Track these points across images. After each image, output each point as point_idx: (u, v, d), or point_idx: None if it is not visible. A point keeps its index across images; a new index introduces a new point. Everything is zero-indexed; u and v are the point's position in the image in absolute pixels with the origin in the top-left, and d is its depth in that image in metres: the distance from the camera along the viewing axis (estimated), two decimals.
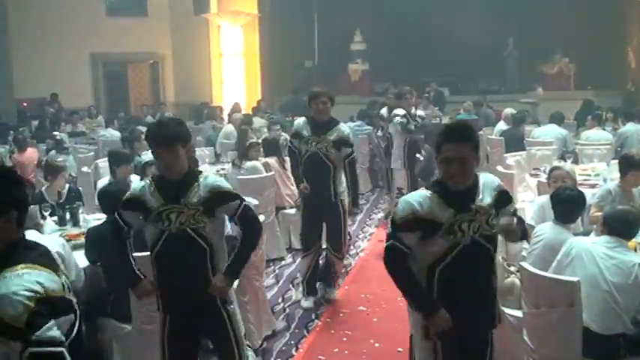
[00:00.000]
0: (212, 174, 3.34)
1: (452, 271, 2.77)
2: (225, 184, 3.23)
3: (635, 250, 4.18)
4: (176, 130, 3.12)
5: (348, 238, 5.80)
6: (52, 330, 1.92)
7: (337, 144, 5.30)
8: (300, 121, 5.55)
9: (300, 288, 5.74)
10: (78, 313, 2.10)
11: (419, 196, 2.80)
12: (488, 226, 2.80)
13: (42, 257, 2.07)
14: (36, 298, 1.91)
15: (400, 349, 4.66)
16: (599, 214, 4.67)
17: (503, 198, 2.91)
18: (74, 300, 2.11)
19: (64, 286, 2.06)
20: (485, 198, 2.83)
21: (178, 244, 3.11)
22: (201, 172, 3.30)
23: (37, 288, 1.93)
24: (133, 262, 3.31)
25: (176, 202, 3.09)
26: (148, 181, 3.23)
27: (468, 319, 2.81)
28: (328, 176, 5.32)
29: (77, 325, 2.09)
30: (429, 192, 2.81)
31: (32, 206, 4.21)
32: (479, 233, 2.77)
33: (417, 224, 2.75)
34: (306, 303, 5.57)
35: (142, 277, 3.30)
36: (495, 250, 2.88)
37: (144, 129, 10.08)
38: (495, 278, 2.94)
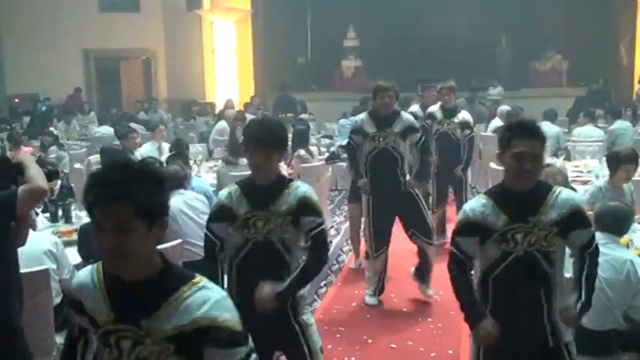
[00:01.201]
0: (305, 184, 3.13)
1: (504, 281, 2.71)
2: (316, 198, 3.04)
3: (628, 247, 4.20)
4: (279, 134, 2.98)
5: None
6: None
7: (404, 134, 5.23)
8: (361, 117, 5.42)
9: (370, 290, 5.50)
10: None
11: (475, 202, 2.77)
12: (547, 242, 2.66)
13: None
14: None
15: (393, 346, 4.68)
16: (591, 212, 4.71)
17: (574, 220, 2.69)
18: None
19: None
20: (551, 213, 2.67)
21: (262, 254, 2.96)
22: (292, 180, 3.15)
23: None
24: (222, 284, 3.03)
25: (264, 209, 2.94)
26: (233, 187, 3.06)
27: (516, 337, 2.73)
28: (397, 169, 5.25)
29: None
30: (486, 197, 2.76)
31: None
32: (535, 247, 2.66)
33: (471, 230, 2.72)
34: (372, 300, 5.46)
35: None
36: (555, 268, 2.71)
37: (137, 126, 10.17)
38: (553, 297, 2.74)
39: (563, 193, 2.71)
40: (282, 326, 3.00)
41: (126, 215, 1.72)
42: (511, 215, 2.66)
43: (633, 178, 5.18)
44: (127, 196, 1.72)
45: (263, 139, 2.91)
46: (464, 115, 6.95)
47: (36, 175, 2.84)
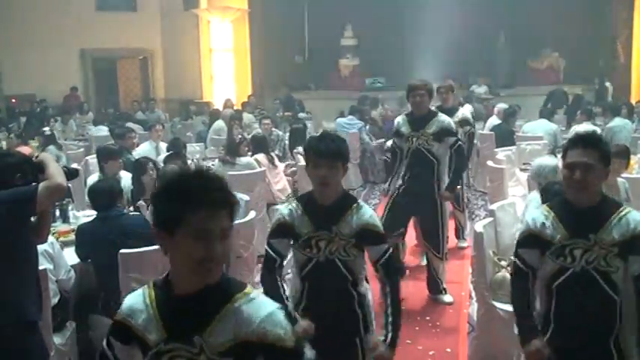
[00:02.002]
0: (366, 205, 3.01)
1: (565, 294, 2.65)
2: (379, 223, 2.95)
3: None
4: (341, 146, 2.90)
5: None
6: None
7: (438, 136, 5.14)
8: (400, 119, 5.40)
9: None
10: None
11: (537, 213, 2.73)
12: (606, 263, 2.57)
13: None
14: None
15: None
16: None
17: (636, 244, 2.56)
18: None
19: None
20: (613, 233, 2.57)
21: (325, 273, 2.91)
22: (356, 199, 3.01)
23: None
24: (285, 299, 2.90)
25: (326, 229, 2.87)
26: (294, 204, 2.98)
27: (576, 352, 2.66)
28: (432, 172, 5.17)
29: None
30: (548, 209, 2.71)
31: None
32: (593, 265, 2.58)
33: (532, 242, 2.69)
34: None
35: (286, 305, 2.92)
36: (619, 294, 2.59)
37: (134, 126, 10.16)
38: (617, 324, 2.62)
39: (631, 215, 2.60)
40: (346, 344, 2.96)
41: (229, 221, 1.75)
42: (570, 230, 2.61)
43: (629, 176, 5.19)
44: (232, 202, 1.76)
45: (327, 149, 2.83)
46: (463, 112, 6.99)
47: (55, 173, 2.93)
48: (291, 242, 2.97)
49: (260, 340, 1.72)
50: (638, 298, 2.58)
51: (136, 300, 1.87)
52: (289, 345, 1.74)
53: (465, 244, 6.86)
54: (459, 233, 6.93)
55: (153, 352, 1.81)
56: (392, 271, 2.97)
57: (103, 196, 4.26)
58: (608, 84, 14.44)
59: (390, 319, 2.89)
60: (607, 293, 2.58)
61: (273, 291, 2.82)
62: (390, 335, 2.86)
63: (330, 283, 2.93)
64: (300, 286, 3.02)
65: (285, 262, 3.03)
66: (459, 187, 5.49)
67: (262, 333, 1.72)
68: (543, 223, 2.66)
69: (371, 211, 2.95)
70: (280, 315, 1.77)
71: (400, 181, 5.32)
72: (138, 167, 5.72)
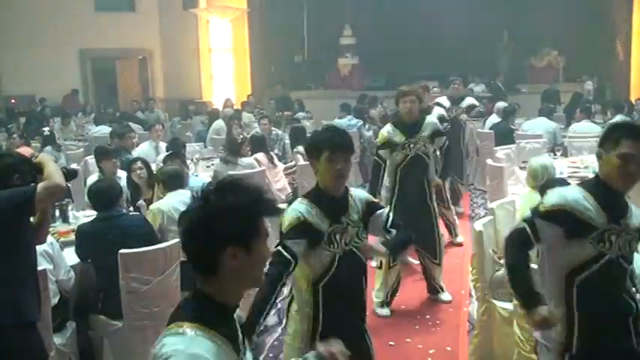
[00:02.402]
0: (357, 188, 3.07)
1: (593, 284, 2.55)
2: (369, 195, 3.05)
3: None
4: (350, 138, 2.93)
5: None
6: None
7: (432, 137, 5.21)
8: (387, 129, 5.23)
9: (380, 298, 5.25)
10: None
11: (576, 192, 2.58)
12: (630, 248, 2.58)
13: None
14: None
15: (391, 343, 4.69)
16: None
17: None
18: None
19: None
20: (633, 219, 2.59)
21: (348, 266, 2.87)
22: (347, 187, 2.98)
23: None
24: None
25: (338, 222, 2.85)
26: (305, 201, 2.88)
27: (606, 342, 2.58)
28: (425, 176, 5.20)
29: None
30: (585, 191, 2.59)
31: None
32: (622, 252, 2.56)
33: (563, 218, 2.53)
34: (384, 311, 5.21)
35: None
36: (630, 276, 2.65)
37: (135, 126, 10.15)
38: (631, 301, 2.61)
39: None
40: (358, 337, 2.94)
41: None
42: (610, 215, 2.55)
43: None
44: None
45: (344, 142, 2.83)
46: (433, 116, 7.13)
47: (54, 173, 2.94)
48: (307, 244, 2.81)
49: None
50: None
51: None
52: None
53: (460, 240, 6.92)
54: (451, 230, 6.95)
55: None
56: (401, 227, 3.03)
57: (103, 196, 4.25)
58: (589, 83, 14.42)
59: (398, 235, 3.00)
60: (626, 279, 2.61)
61: (268, 294, 2.64)
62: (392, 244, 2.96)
63: (350, 278, 2.88)
64: (314, 302, 2.87)
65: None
66: (439, 180, 5.46)
67: None
68: (585, 206, 2.54)
69: (361, 190, 3.09)
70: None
71: (390, 194, 5.26)
72: (127, 167, 5.76)
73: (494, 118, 10.01)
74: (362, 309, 3.02)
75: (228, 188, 1.75)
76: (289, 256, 2.75)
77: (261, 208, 1.75)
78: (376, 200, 3.02)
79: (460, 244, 6.87)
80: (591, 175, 5.23)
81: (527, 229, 2.58)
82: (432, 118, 5.35)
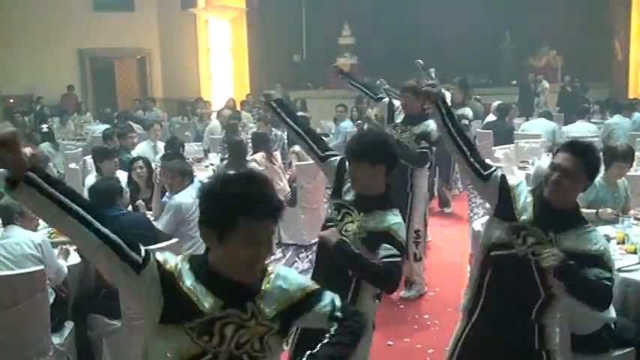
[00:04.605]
0: (397, 217, 2.98)
1: (501, 266, 2.65)
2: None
3: (623, 242, 4.21)
4: (381, 146, 2.95)
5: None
6: None
7: (418, 138, 5.24)
8: (399, 103, 5.49)
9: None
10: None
11: (525, 188, 2.72)
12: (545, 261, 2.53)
13: None
14: None
15: (390, 343, 4.69)
16: (586, 210, 4.70)
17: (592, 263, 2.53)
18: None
19: None
20: (574, 242, 2.56)
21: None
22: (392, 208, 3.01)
23: None
24: None
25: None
26: None
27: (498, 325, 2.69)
28: (405, 172, 5.21)
29: None
30: (530, 194, 2.69)
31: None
32: (534, 258, 2.57)
33: (505, 198, 2.67)
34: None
35: None
36: (542, 282, 2.61)
37: (135, 125, 10.14)
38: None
39: (598, 234, 2.62)
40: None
41: (274, 226, 1.87)
42: (541, 220, 2.60)
43: (628, 174, 5.19)
44: (281, 210, 1.85)
45: (360, 151, 2.88)
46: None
47: None
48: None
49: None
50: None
51: (177, 262, 1.90)
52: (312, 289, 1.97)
53: (448, 210, 8.23)
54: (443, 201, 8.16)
55: (207, 319, 1.83)
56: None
57: (103, 196, 4.25)
58: (545, 82, 14.40)
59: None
60: (535, 282, 2.59)
61: None
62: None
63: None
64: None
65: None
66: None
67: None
68: (523, 200, 2.65)
69: (400, 221, 3.00)
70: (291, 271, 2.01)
71: None
72: (129, 166, 5.74)
73: (491, 118, 10.03)
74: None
75: (232, 177, 1.86)
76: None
77: (240, 206, 1.76)
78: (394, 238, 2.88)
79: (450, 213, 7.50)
80: None
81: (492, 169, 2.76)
82: (430, 123, 5.25)
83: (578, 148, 2.62)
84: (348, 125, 10.34)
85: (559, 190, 2.57)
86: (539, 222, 2.59)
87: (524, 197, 2.66)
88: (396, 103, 5.55)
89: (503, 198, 2.68)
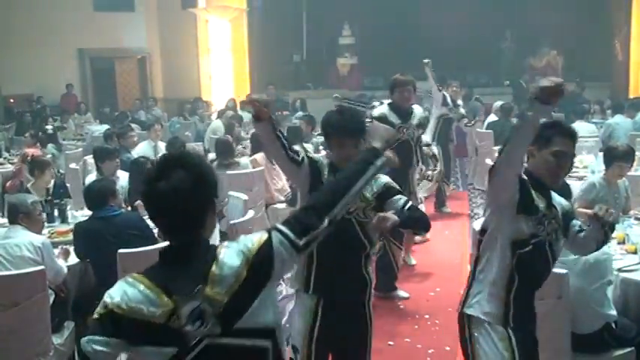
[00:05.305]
0: (384, 175, 3.14)
1: (528, 260, 2.67)
2: (391, 181, 3.15)
3: (624, 242, 4.21)
4: (361, 121, 3.11)
5: None
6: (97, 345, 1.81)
7: (420, 126, 5.43)
8: (383, 109, 5.41)
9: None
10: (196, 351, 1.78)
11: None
12: (556, 235, 2.77)
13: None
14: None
15: (391, 343, 4.69)
16: (585, 210, 4.70)
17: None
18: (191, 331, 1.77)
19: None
20: (559, 208, 2.81)
21: (339, 234, 2.93)
22: None
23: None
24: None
25: None
26: (326, 161, 3.15)
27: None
28: (409, 160, 5.35)
29: None
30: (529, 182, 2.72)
31: (25, 202, 4.19)
32: (549, 238, 2.74)
33: (525, 190, 2.64)
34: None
35: None
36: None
37: (134, 125, 10.14)
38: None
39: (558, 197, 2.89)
40: (356, 311, 3.13)
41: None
42: (545, 202, 2.72)
43: (629, 173, 5.19)
44: None
45: (351, 127, 3.01)
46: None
47: None
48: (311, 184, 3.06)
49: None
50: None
51: None
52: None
53: (447, 210, 8.14)
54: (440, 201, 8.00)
55: None
56: (416, 210, 3.15)
57: (95, 197, 4.28)
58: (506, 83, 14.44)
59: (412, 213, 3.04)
60: (550, 265, 2.77)
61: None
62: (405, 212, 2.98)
63: (342, 244, 2.92)
64: (308, 258, 3.05)
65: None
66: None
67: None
68: (530, 189, 2.67)
69: (387, 177, 3.14)
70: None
71: None
72: (136, 167, 5.71)
73: (492, 118, 10.03)
74: (359, 285, 3.12)
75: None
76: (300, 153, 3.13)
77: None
78: (395, 186, 3.10)
79: (426, 240, 6.99)
80: (590, 175, 5.26)
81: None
82: (420, 109, 5.59)
83: (572, 131, 2.78)
84: None
85: (565, 175, 2.76)
86: (546, 204, 2.71)
87: (530, 188, 2.69)
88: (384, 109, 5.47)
89: (522, 192, 2.63)
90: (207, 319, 1.76)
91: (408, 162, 5.34)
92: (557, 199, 2.81)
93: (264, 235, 1.87)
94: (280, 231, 1.88)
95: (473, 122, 9.16)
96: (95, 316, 1.83)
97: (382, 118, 5.33)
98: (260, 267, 1.82)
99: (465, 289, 2.90)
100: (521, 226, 2.64)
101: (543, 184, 2.72)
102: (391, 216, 2.81)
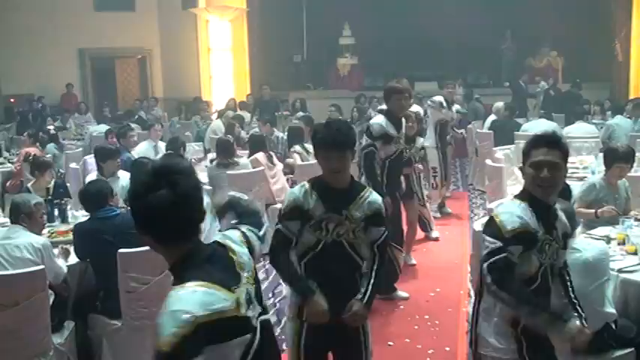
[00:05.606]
0: (375, 193, 3.10)
1: (536, 293, 2.63)
2: (382, 207, 3.09)
3: (624, 242, 4.20)
4: (348, 134, 3.00)
5: None
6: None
7: (417, 134, 5.59)
8: (381, 121, 5.12)
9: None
10: (258, 331, 1.97)
11: (519, 208, 2.63)
12: (557, 255, 2.68)
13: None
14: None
15: (390, 343, 4.69)
16: (585, 210, 4.70)
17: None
18: (252, 315, 1.95)
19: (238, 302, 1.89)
20: (562, 228, 2.69)
21: (332, 255, 2.97)
22: (365, 185, 3.22)
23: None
24: (299, 272, 3.03)
25: (337, 212, 2.95)
26: (307, 186, 3.02)
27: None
28: (407, 168, 5.45)
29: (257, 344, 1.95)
30: (522, 201, 2.66)
31: (28, 202, 4.19)
32: (551, 261, 2.66)
33: (530, 239, 2.57)
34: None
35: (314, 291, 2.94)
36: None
37: (134, 125, 10.14)
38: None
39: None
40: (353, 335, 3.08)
41: None
42: (544, 225, 2.65)
43: (629, 174, 5.18)
44: None
45: (336, 140, 2.94)
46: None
47: None
48: (301, 224, 2.98)
49: None
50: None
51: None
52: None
53: (435, 235, 7.11)
54: (426, 226, 7.06)
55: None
56: (385, 250, 3.14)
57: (91, 198, 4.28)
58: (544, 83, 14.42)
59: (371, 281, 3.02)
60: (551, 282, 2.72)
61: (289, 268, 2.99)
62: (367, 294, 2.99)
63: (336, 265, 2.98)
64: (303, 272, 3.05)
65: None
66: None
67: None
68: (531, 219, 2.61)
69: (378, 196, 3.09)
70: None
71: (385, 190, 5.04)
72: (138, 167, 5.71)
73: (492, 118, 10.03)
74: (352, 297, 3.05)
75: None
76: (289, 234, 2.99)
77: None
78: (383, 215, 3.06)
79: (436, 239, 7.02)
80: (590, 175, 5.27)
81: (509, 256, 2.57)
82: (420, 109, 5.64)
83: (549, 139, 2.66)
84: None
85: (552, 186, 2.62)
86: (545, 227, 2.63)
87: (530, 215, 2.61)
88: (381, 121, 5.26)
89: (528, 242, 2.59)
90: (253, 302, 1.98)
91: (399, 176, 5.37)
92: (563, 219, 2.71)
93: (238, 231, 2.23)
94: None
95: (462, 131, 9.07)
96: (175, 340, 1.72)
97: (381, 136, 5.08)
98: (251, 251, 2.13)
99: (470, 327, 2.89)
100: (526, 266, 2.61)
101: (540, 202, 2.64)
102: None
